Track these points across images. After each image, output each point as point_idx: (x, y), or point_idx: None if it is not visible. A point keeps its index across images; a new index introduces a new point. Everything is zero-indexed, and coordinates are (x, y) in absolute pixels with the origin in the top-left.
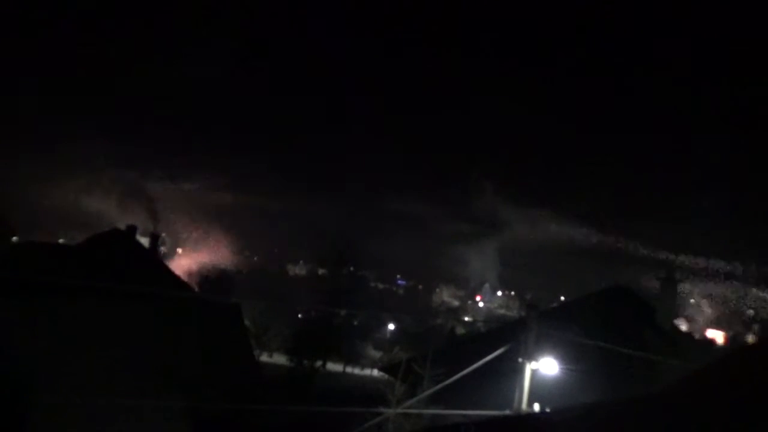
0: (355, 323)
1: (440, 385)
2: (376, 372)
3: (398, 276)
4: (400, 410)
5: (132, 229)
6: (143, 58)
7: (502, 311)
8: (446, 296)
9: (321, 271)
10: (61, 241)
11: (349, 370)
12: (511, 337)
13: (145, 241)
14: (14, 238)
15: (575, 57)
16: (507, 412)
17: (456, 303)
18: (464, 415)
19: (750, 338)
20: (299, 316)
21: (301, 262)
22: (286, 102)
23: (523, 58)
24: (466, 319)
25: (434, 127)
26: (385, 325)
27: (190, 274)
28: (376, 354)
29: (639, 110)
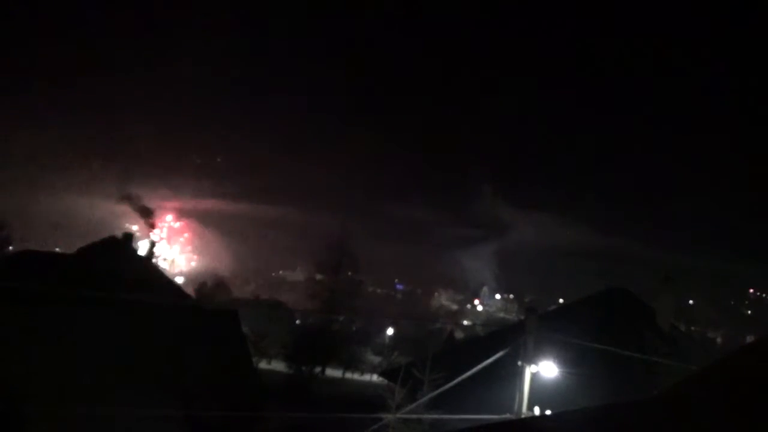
0: (354, 328)
1: (440, 390)
2: (375, 377)
3: (396, 280)
4: (399, 415)
5: (129, 237)
6: (142, 62)
7: (501, 314)
8: (445, 300)
9: (319, 277)
10: (57, 249)
11: (348, 375)
12: (511, 341)
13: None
14: (10, 248)
15: (575, 59)
16: (507, 415)
17: (455, 307)
18: (464, 420)
19: (749, 338)
20: (297, 322)
21: (298, 267)
22: (285, 106)
23: (523, 60)
24: (465, 322)
25: (433, 132)
26: (384, 330)
27: (187, 281)
28: (375, 359)
29: (638, 112)
